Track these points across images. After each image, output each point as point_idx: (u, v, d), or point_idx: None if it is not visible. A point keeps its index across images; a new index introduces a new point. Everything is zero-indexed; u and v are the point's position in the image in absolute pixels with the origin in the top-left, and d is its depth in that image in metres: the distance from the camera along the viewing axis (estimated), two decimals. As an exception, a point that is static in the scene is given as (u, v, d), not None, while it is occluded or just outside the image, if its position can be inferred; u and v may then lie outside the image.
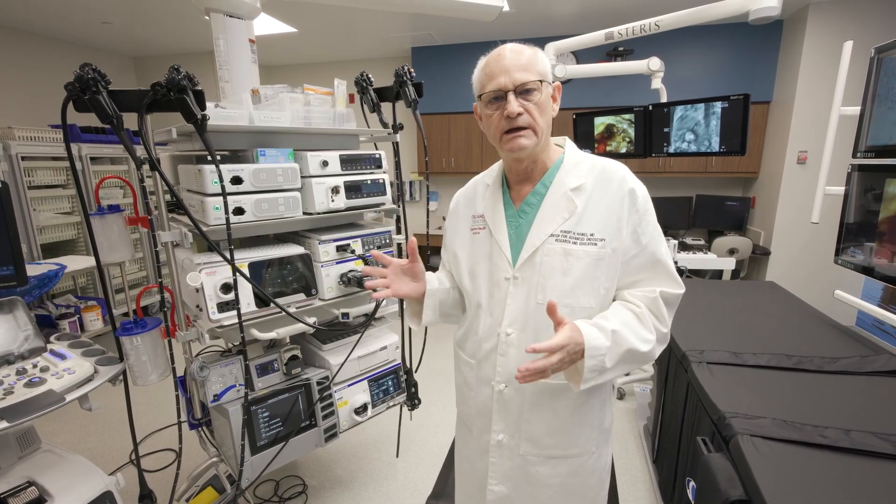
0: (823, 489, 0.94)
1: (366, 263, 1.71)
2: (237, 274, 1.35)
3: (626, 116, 2.89)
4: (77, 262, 2.87)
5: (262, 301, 1.46)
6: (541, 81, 0.91)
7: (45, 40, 4.10)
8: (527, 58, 0.91)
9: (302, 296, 1.57)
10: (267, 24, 3.77)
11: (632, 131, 2.90)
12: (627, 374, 3.01)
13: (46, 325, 2.81)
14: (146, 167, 1.26)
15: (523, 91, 0.91)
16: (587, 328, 0.90)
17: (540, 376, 0.88)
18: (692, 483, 1.27)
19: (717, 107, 2.44)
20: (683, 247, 3.77)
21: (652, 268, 0.96)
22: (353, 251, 1.70)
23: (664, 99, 2.74)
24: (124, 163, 3.83)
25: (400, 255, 1.90)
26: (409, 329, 1.95)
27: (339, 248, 1.66)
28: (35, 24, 3.81)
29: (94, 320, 3.03)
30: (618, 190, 0.96)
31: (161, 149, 1.84)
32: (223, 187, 1.30)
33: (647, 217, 0.96)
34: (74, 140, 3.41)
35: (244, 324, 1.39)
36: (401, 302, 1.93)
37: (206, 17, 1.74)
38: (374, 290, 1.02)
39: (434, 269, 1.18)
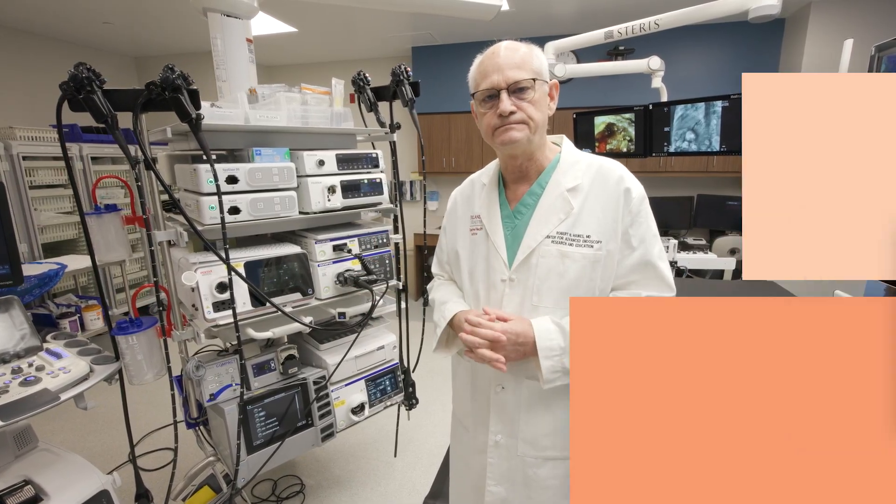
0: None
1: (363, 263, 1.71)
2: (232, 273, 1.34)
3: (627, 116, 2.88)
4: (78, 262, 2.88)
5: (258, 300, 1.46)
6: (534, 80, 0.90)
7: (45, 40, 4.10)
8: (521, 56, 0.90)
9: (298, 295, 1.57)
10: (267, 24, 3.77)
11: (632, 130, 2.89)
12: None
13: (47, 325, 2.82)
14: (141, 166, 1.26)
15: (516, 90, 0.90)
16: (543, 327, 0.90)
17: (477, 346, 0.92)
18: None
19: (718, 106, 2.42)
20: (684, 246, 3.75)
21: (642, 270, 0.95)
22: (349, 251, 1.70)
23: (664, 98, 2.73)
24: (125, 162, 3.83)
25: (397, 255, 1.90)
26: (407, 328, 1.94)
27: (335, 248, 1.66)
28: (35, 24, 3.81)
29: (95, 319, 3.03)
30: (614, 190, 0.94)
31: (159, 148, 1.84)
32: (218, 186, 1.30)
33: (640, 218, 0.94)
34: (75, 140, 3.42)
35: (240, 323, 1.39)
36: (398, 302, 1.93)
37: (204, 17, 1.74)
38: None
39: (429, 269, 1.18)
